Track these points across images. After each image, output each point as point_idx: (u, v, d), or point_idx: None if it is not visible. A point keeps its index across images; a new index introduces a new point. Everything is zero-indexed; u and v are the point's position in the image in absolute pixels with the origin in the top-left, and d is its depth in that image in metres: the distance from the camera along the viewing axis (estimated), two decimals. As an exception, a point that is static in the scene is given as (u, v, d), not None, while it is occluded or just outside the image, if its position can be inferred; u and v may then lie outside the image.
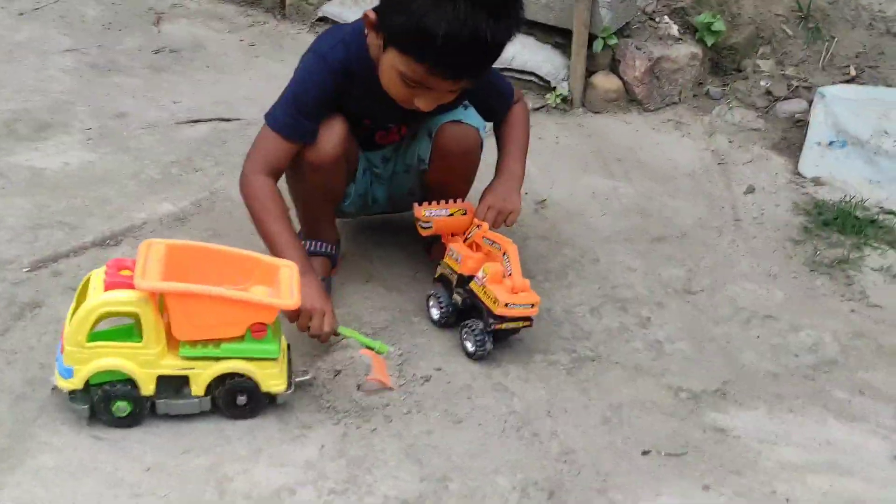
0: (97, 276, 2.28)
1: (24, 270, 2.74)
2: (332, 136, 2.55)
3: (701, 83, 3.79)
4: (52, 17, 4.29)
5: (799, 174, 3.33)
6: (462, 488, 2.17)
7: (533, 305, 2.50)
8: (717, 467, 2.28)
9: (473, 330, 2.52)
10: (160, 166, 3.28)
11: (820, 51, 3.84)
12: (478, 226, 2.60)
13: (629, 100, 3.71)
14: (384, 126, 2.71)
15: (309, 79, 2.53)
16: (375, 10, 2.41)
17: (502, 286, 2.49)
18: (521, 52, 3.74)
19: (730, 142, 3.51)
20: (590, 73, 3.70)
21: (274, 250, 2.50)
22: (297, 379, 2.37)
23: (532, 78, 3.72)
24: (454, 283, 2.60)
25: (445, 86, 2.39)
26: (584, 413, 2.41)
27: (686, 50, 3.73)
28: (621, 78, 3.69)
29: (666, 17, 3.84)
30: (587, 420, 2.39)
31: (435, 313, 2.64)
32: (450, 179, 2.70)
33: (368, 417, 2.35)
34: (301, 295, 2.31)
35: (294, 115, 2.52)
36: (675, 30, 3.80)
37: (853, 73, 3.73)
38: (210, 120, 3.57)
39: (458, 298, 2.58)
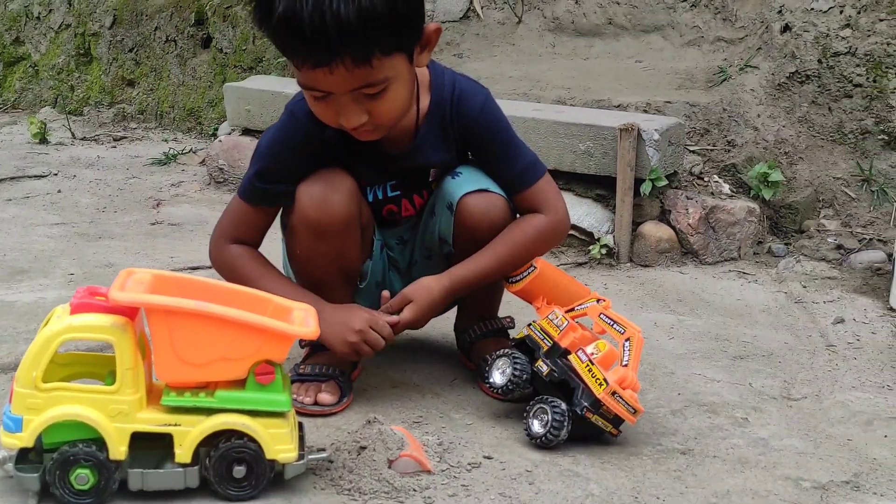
0: (62, 308, 1.82)
1: (-23, 377, 2.28)
2: (339, 189, 2.14)
3: (761, 242, 3.39)
4: (43, 203, 3.97)
5: (893, 309, 2.87)
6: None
7: (635, 412, 2.01)
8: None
9: (555, 408, 2.00)
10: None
11: (889, 211, 3.48)
12: (598, 300, 2.15)
13: (683, 252, 3.29)
14: (386, 194, 2.28)
15: (275, 136, 2.18)
16: None
17: (613, 373, 2.01)
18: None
19: (804, 287, 3.07)
20: (636, 224, 3.31)
21: None
22: (311, 456, 1.85)
23: (572, 232, 3.33)
24: (542, 350, 2.09)
25: (324, 78, 1.91)
26: (682, 499, 1.86)
27: (742, 204, 3.36)
28: (673, 227, 3.29)
29: (715, 175, 3.50)
30: (687, 507, 1.83)
31: (499, 377, 2.10)
32: None
33: (402, 500, 1.80)
34: (340, 322, 2.11)
35: (256, 178, 2.18)
36: (726, 188, 3.45)
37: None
38: (211, 267, 3.14)
39: (542, 367, 2.06)
